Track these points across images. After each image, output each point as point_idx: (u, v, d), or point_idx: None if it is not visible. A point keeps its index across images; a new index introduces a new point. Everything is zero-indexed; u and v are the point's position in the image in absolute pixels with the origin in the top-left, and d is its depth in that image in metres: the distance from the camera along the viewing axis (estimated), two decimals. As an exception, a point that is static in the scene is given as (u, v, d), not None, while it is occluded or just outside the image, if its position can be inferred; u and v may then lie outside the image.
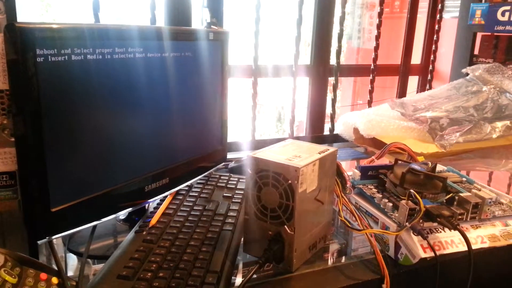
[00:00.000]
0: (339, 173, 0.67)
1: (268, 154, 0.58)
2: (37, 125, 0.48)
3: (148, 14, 1.00)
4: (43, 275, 0.47)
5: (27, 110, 0.48)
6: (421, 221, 0.61)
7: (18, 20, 0.53)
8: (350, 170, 0.76)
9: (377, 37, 1.39)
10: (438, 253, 0.59)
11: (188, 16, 1.04)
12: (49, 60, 0.48)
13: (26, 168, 0.50)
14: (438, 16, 1.49)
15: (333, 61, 1.33)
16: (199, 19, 1.08)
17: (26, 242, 0.52)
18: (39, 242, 0.51)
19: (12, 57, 0.46)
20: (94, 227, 0.59)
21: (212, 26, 0.78)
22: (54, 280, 0.47)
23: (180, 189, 0.75)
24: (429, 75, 1.56)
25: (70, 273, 0.58)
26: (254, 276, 0.54)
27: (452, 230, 0.60)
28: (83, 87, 0.53)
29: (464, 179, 0.78)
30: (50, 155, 0.50)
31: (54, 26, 0.48)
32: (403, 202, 0.62)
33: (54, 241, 0.52)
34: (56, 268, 0.49)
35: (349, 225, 0.64)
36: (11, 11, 0.51)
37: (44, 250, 0.59)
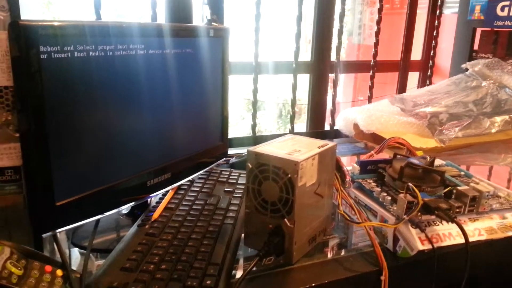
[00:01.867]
0: (339, 167, 0.68)
1: (268, 148, 0.59)
2: (41, 121, 0.49)
3: (149, 11, 1.01)
4: (48, 267, 0.48)
5: (31, 106, 0.49)
6: (419, 214, 0.61)
7: (22, 18, 0.54)
8: (350, 165, 0.77)
9: (377, 33, 1.39)
10: (435, 245, 0.60)
11: (188, 13, 1.05)
12: (52, 57, 0.49)
13: (30, 163, 0.51)
14: (438, 11, 1.49)
15: (334, 57, 1.33)
16: (200, 16, 1.08)
17: (31, 236, 0.53)
18: (43, 235, 0.52)
19: (16, 54, 0.47)
20: (98, 221, 0.60)
21: (212, 23, 0.78)
22: (59, 272, 0.48)
23: (182, 184, 0.76)
24: (429, 71, 1.56)
25: (73, 267, 0.59)
26: (255, 268, 0.55)
27: (450, 223, 0.61)
28: (85, 83, 0.54)
29: (462, 173, 0.79)
30: (54, 150, 0.51)
31: (57, 23, 0.49)
32: (402, 195, 0.62)
33: (58, 235, 0.53)
34: (60, 261, 0.50)
35: (348, 219, 0.64)
36: (14, 9, 0.52)
37: (47, 245, 0.60)
